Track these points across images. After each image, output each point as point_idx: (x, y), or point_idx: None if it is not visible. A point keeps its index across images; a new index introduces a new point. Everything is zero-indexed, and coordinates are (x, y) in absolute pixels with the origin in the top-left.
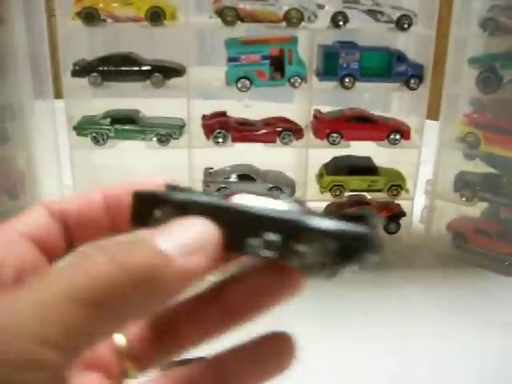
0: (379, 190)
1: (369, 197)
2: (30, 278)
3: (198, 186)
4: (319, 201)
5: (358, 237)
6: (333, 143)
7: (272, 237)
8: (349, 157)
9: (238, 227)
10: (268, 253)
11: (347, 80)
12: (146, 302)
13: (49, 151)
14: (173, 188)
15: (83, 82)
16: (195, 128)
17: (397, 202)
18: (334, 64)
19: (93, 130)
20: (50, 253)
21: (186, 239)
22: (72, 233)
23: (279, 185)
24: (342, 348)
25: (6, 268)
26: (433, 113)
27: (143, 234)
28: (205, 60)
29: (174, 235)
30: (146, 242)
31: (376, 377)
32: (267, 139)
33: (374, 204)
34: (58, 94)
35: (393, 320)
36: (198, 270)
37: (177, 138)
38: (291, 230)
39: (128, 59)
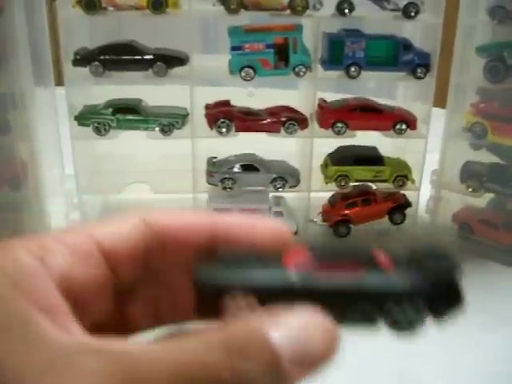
0: (385, 181)
1: (374, 187)
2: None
3: (202, 175)
4: (323, 191)
5: (444, 293)
6: (338, 133)
7: (366, 307)
8: (354, 147)
9: (333, 306)
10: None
11: (353, 69)
12: None
13: (50, 141)
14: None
15: (84, 70)
16: (198, 117)
17: (402, 192)
18: (340, 52)
19: (94, 119)
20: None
21: (309, 349)
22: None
23: (283, 175)
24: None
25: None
26: (439, 100)
27: (259, 331)
28: (208, 48)
29: (296, 340)
30: (261, 346)
31: (378, 370)
32: (271, 129)
33: (379, 194)
34: (59, 81)
35: None
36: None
37: (179, 128)
38: (382, 298)
39: (130, 48)
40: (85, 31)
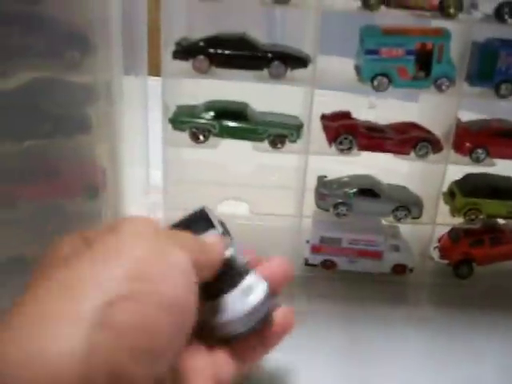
0: None
1: (503, 222)
2: None
3: (308, 197)
4: (448, 225)
5: None
6: (476, 160)
7: None
8: (485, 175)
9: None
10: None
11: (504, 87)
12: None
13: (135, 142)
14: None
15: (184, 64)
16: (314, 130)
17: None
18: (491, 66)
19: (193, 124)
20: None
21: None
22: None
23: (406, 204)
24: None
25: None
26: None
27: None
28: (327, 49)
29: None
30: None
31: None
32: (400, 150)
33: (507, 232)
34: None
35: None
36: None
37: (294, 141)
38: None
39: (242, 42)
40: (183, 16)
